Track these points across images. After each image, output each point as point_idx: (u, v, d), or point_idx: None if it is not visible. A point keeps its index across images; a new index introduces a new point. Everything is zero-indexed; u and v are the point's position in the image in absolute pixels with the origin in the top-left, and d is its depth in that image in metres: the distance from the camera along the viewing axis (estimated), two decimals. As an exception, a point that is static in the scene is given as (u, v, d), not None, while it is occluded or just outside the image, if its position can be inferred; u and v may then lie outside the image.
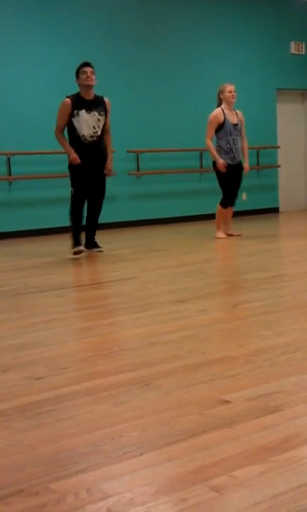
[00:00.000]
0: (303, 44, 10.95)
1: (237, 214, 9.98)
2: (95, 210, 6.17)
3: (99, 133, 5.90)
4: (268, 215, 10.36)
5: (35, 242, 7.74)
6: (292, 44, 10.82)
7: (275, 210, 10.84)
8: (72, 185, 5.95)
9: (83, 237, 6.08)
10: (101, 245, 6.23)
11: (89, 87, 5.84)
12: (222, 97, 6.90)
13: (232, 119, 6.92)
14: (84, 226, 6.15)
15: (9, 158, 8.22)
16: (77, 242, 5.96)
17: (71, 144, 5.89)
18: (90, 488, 1.62)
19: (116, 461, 1.77)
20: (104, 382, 2.45)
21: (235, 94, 6.88)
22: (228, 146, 6.90)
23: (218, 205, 7.10)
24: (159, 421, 2.04)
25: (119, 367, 2.63)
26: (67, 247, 6.13)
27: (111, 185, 8.98)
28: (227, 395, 2.24)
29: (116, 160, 9.00)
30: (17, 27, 8.24)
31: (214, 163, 6.98)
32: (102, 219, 8.88)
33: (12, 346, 3.04)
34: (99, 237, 6.32)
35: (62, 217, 6.42)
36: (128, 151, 9.07)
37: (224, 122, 6.86)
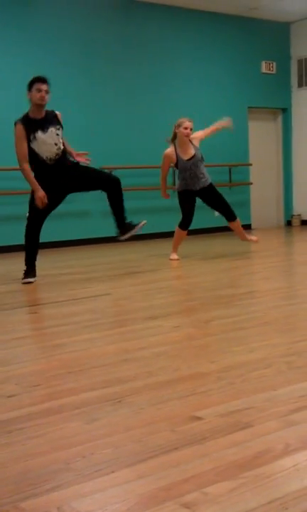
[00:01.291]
0: (274, 63, 11.12)
1: (208, 231, 10.07)
2: (115, 198, 5.85)
3: (61, 147, 5.55)
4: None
5: (7, 258, 7.70)
6: (263, 63, 10.99)
7: (247, 227, 10.92)
8: (29, 209, 5.57)
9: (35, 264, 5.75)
10: (135, 222, 5.99)
11: (42, 106, 5.48)
12: (177, 131, 6.74)
13: (185, 154, 6.77)
14: (112, 213, 5.91)
15: (-19, 175, 8.18)
16: (28, 271, 5.61)
17: (35, 169, 5.54)
18: (61, 506, 1.61)
19: (88, 478, 1.76)
20: (75, 399, 2.44)
21: (190, 132, 6.71)
22: (184, 180, 6.83)
23: (177, 227, 7.02)
24: (131, 438, 2.04)
25: (90, 384, 2.62)
26: (40, 264, 6.09)
27: (84, 202, 9.03)
28: (199, 411, 2.25)
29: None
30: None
31: (178, 192, 6.93)
32: (74, 235, 8.93)
33: (-17, 364, 3.02)
34: (72, 254, 6.29)
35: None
36: (102, 168, 9.09)
37: (177, 161, 6.76)
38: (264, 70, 11.01)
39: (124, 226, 5.97)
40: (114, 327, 3.70)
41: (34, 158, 5.49)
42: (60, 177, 5.61)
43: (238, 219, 7.17)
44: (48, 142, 5.47)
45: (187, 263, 6.62)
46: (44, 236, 5.95)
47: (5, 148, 8.29)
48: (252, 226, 11.04)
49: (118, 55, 9.33)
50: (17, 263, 6.25)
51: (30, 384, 2.66)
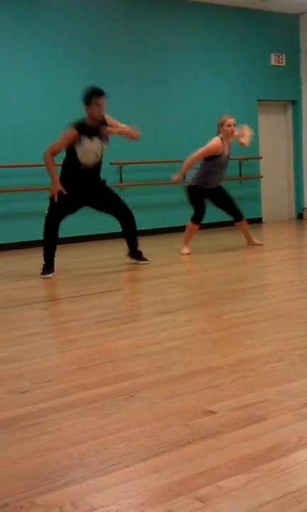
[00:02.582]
0: (284, 56, 11.05)
1: (219, 225, 10.04)
2: (128, 224, 6.03)
3: (99, 157, 5.73)
4: (251, 226, 10.36)
5: (17, 255, 7.72)
6: (272, 56, 10.92)
7: (258, 221, 10.89)
8: (49, 208, 5.67)
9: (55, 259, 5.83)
10: (146, 258, 6.13)
11: (98, 120, 5.65)
12: (221, 129, 6.78)
13: (227, 151, 6.84)
14: (126, 238, 6.11)
15: (-8, 172, 8.20)
16: (46, 267, 5.67)
17: (68, 169, 5.66)
18: (75, 501, 1.62)
19: (101, 473, 1.76)
20: (88, 394, 2.44)
21: (234, 128, 6.75)
22: (208, 176, 6.80)
23: (189, 220, 7.00)
24: (144, 433, 2.04)
25: (103, 379, 2.62)
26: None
27: (94, 198, 9.03)
28: (212, 405, 2.24)
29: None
30: (0, 40, 8.26)
31: (190, 188, 6.89)
32: (85, 231, 8.92)
33: (-4, 360, 3.03)
34: (82, 250, 6.30)
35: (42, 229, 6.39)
36: (111, 163, 9.08)
37: (220, 155, 6.76)
38: (273, 62, 10.95)
39: (134, 253, 6.17)
40: (125, 322, 3.71)
41: (73, 159, 5.62)
42: (87, 187, 5.75)
43: (244, 220, 7.19)
44: (93, 150, 5.64)
45: (198, 257, 6.61)
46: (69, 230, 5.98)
47: (19, 145, 8.32)
48: (263, 220, 11.00)
49: (125, 49, 9.31)
50: (28, 259, 6.27)
51: (43, 380, 2.67)
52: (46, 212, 5.71)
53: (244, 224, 7.28)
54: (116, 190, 9.20)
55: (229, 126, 6.73)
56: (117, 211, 5.96)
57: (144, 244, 8.08)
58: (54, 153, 5.59)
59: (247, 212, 10.68)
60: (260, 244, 7.33)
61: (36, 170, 7.93)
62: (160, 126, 9.56)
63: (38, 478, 1.76)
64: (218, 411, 2.18)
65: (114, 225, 9.20)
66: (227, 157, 6.87)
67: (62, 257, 6.33)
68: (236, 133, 6.90)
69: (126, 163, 9.25)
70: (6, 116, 8.31)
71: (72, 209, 5.81)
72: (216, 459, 1.81)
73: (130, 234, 6.11)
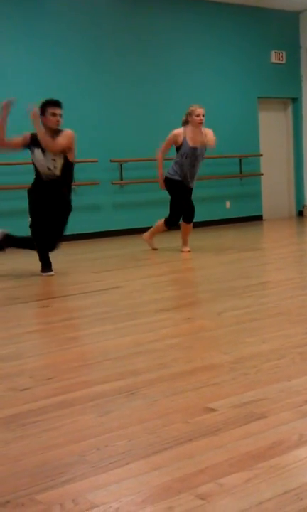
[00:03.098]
0: (284, 53, 11.04)
1: (220, 222, 10.05)
2: (44, 248, 5.74)
3: (56, 173, 5.54)
4: (252, 223, 10.41)
5: (19, 252, 7.71)
6: (273, 53, 10.91)
7: (258, 218, 10.89)
8: (30, 215, 5.68)
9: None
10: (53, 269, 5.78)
11: (54, 131, 5.49)
12: (189, 119, 6.69)
13: (193, 142, 6.67)
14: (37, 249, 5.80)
15: (-8, 169, 8.19)
16: (45, 266, 5.65)
17: (35, 175, 5.66)
18: (76, 498, 1.62)
19: (102, 470, 1.77)
20: (89, 392, 2.44)
21: (203, 118, 6.63)
22: (181, 169, 6.72)
23: (162, 220, 6.95)
24: (145, 430, 2.04)
25: (104, 376, 2.63)
26: (50, 258, 6.09)
27: (94, 195, 9.03)
28: (213, 402, 2.25)
29: (100, 170, 9.04)
30: (0, 37, 8.26)
31: (166, 180, 6.83)
32: (86, 229, 8.93)
33: (-4, 357, 3.03)
34: (83, 247, 6.29)
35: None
36: (111, 161, 9.08)
37: (182, 144, 6.67)
38: (273, 59, 10.94)
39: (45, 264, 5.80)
40: (126, 320, 3.71)
41: (35, 168, 5.63)
42: (44, 194, 5.60)
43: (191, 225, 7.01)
44: (43, 164, 5.55)
45: (198, 255, 6.61)
46: (75, 228, 5.98)
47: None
48: (264, 217, 11.00)
49: (126, 46, 9.30)
50: (28, 256, 6.26)
51: (44, 377, 2.67)
52: (29, 220, 5.71)
53: (189, 227, 7.01)
54: (116, 187, 9.28)
55: (197, 116, 6.62)
56: (49, 237, 5.70)
57: (142, 243, 8.08)
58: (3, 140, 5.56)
59: (247, 210, 10.75)
60: (187, 252, 6.87)
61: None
62: (161, 123, 9.54)
63: (39, 475, 1.76)
64: (219, 408, 2.18)
65: (113, 223, 9.23)
66: (195, 150, 6.67)
67: (62, 254, 6.33)
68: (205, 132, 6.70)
69: (126, 161, 9.25)
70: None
71: (47, 215, 5.65)
72: (217, 456, 1.82)
73: (44, 251, 5.77)
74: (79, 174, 6.02)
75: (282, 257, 6.10)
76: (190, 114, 6.72)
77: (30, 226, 5.72)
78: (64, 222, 5.72)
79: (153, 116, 9.52)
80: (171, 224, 6.95)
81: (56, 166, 5.56)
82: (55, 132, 5.53)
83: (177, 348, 3.02)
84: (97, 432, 2.05)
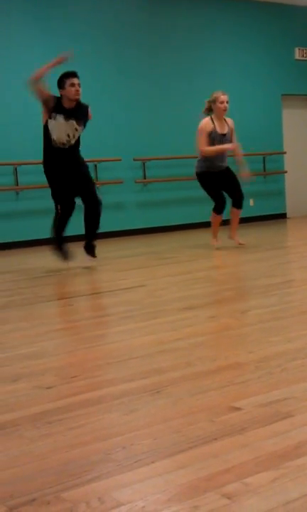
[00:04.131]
0: (308, 50, 10.97)
1: (243, 220, 10.00)
2: (91, 214, 5.85)
3: (72, 142, 5.66)
4: (276, 221, 10.35)
5: (43, 251, 7.76)
6: (296, 50, 10.84)
7: (282, 216, 10.83)
8: (53, 199, 5.78)
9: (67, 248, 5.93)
10: (96, 255, 5.98)
11: (76, 100, 5.60)
12: (213, 106, 6.64)
13: (221, 129, 6.68)
14: (86, 229, 5.93)
15: (16, 168, 8.25)
16: (64, 255, 5.81)
17: (44, 147, 5.71)
18: (102, 496, 1.62)
19: (128, 469, 1.77)
20: (114, 390, 2.45)
21: (227, 105, 6.60)
22: (209, 157, 6.66)
23: (212, 212, 6.91)
24: (170, 428, 2.03)
25: (129, 375, 2.63)
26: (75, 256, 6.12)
27: (117, 194, 9.04)
28: (238, 401, 2.24)
29: (123, 168, 9.05)
30: (17, 35, 8.29)
31: (198, 174, 6.78)
32: (109, 227, 8.93)
33: (21, 356, 3.05)
34: (107, 246, 6.30)
35: (69, 226, 6.42)
36: (134, 159, 9.09)
37: (211, 132, 6.61)
38: (297, 56, 10.87)
39: (88, 245, 5.98)
40: (150, 318, 3.71)
41: (47, 135, 5.66)
42: (63, 165, 5.71)
43: (241, 210, 6.94)
44: (63, 130, 5.59)
45: (222, 253, 6.59)
46: (77, 229, 6.00)
47: (34, 142, 8.35)
48: (288, 215, 10.93)
49: (148, 45, 9.30)
50: (52, 255, 6.29)
51: (69, 375, 2.68)
52: (58, 207, 5.83)
53: (237, 213, 6.95)
54: (139, 186, 9.28)
55: (221, 103, 6.57)
56: (86, 195, 5.80)
57: (165, 241, 8.07)
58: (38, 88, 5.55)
59: (271, 208, 10.69)
60: (242, 244, 6.94)
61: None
62: (184, 121, 9.53)
63: (64, 473, 1.77)
64: (244, 407, 2.17)
65: (136, 221, 9.23)
66: (224, 136, 6.64)
67: (85, 253, 6.33)
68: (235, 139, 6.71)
69: (149, 159, 9.25)
70: (27, 114, 8.35)
71: (68, 194, 5.80)
72: (242, 455, 1.81)
73: (91, 224, 5.89)
74: (102, 173, 6.06)
75: (307, 255, 6.06)
76: (214, 101, 6.63)
77: (56, 211, 5.82)
78: (92, 181, 5.88)
79: (176, 115, 9.51)
80: (220, 210, 6.85)
81: (75, 136, 5.66)
82: (77, 103, 5.61)
83: (201, 346, 3.01)
84: (122, 430, 2.05)
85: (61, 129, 5.59)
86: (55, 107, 5.58)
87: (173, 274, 5.37)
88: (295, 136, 11.10)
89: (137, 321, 3.66)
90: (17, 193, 8.34)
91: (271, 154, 10.49)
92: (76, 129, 5.63)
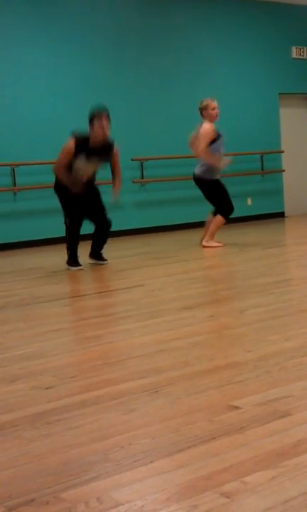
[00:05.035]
0: (305, 48, 10.96)
1: (241, 219, 10.01)
2: (101, 237, 6.13)
3: (92, 173, 5.86)
4: (274, 220, 10.35)
5: (41, 251, 7.76)
6: (293, 49, 10.84)
7: (280, 215, 10.83)
8: (66, 213, 5.89)
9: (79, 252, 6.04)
10: (106, 258, 6.20)
11: (102, 140, 5.69)
12: (205, 113, 6.76)
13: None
14: (92, 240, 6.14)
15: (14, 169, 8.25)
16: (74, 261, 5.90)
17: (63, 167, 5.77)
18: (101, 496, 1.62)
19: (126, 469, 1.77)
20: (112, 390, 2.45)
21: (218, 111, 6.77)
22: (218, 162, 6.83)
23: (220, 216, 6.95)
24: (168, 428, 2.04)
25: (127, 375, 2.63)
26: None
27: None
28: (236, 400, 2.24)
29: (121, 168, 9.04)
30: (18, 38, 8.29)
31: (205, 183, 6.88)
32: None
33: (20, 356, 3.05)
34: (105, 246, 6.30)
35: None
36: (132, 159, 9.09)
37: (218, 134, 6.77)
38: (294, 55, 10.87)
39: (95, 254, 6.19)
40: (148, 318, 3.71)
41: (71, 166, 5.72)
42: (86, 189, 5.83)
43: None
44: (85, 168, 5.72)
45: (220, 252, 6.59)
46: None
47: (31, 143, 8.36)
48: (286, 214, 10.94)
49: (146, 46, 9.29)
50: (51, 256, 6.30)
51: (67, 375, 2.68)
52: (66, 220, 5.92)
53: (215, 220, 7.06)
54: (137, 186, 9.28)
55: (214, 109, 6.72)
56: (98, 219, 6.02)
57: (163, 241, 8.08)
58: (63, 166, 5.68)
59: (269, 207, 10.69)
60: (220, 246, 6.98)
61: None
62: (182, 122, 9.53)
63: (63, 473, 1.77)
64: (242, 406, 2.18)
65: (134, 221, 9.23)
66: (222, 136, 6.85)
67: (83, 254, 6.33)
68: None
69: (147, 159, 9.25)
70: (27, 115, 8.35)
71: (83, 206, 5.91)
72: (241, 454, 1.81)
73: (101, 241, 6.17)
74: (100, 173, 6.06)
75: (305, 254, 6.06)
76: (205, 108, 6.77)
77: (68, 222, 5.91)
78: (104, 205, 6.04)
79: (173, 115, 9.51)
80: (229, 214, 6.95)
81: (96, 170, 5.90)
82: (103, 143, 5.72)
83: (199, 346, 3.01)
84: (120, 430, 2.05)
85: (83, 168, 5.72)
86: (78, 148, 5.62)
87: (170, 273, 5.37)
88: (293, 135, 11.10)
89: (135, 320, 3.66)
90: (15, 194, 8.34)
91: (268, 153, 10.49)
92: (96, 165, 5.81)
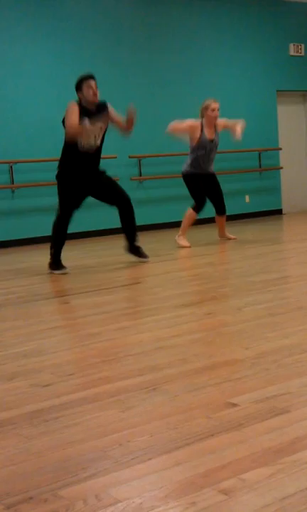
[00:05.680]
0: (302, 45, 10.95)
1: (240, 217, 10.01)
2: (127, 215, 5.85)
3: (98, 143, 5.64)
4: (272, 217, 10.36)
5: (39, 249, 7.75)
6: (291, 46, 10.83)
7: (278, 212, 10.83)
8: (60, 204, 5.60)
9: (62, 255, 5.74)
10: (147, 253, 5.92)
11: (94, 103, 5.57)
12: (204, 113, 6.79)
13: (210, 135, 6.83)
14: (124, 231, 5.89)
15: (12, 167, 8.24)
16: (58, 264, 5.59)
17: (66, 151, 5.59)
18: (99, 494, 1.62)
19: (125, 466, 1.77)
20: (110, 387, 2.45)
21: (218, 113, 6.76)
22: (197, 161, 6.84)
23: (189, 208, 7.00)
24: (167, 425, 2.04)
25: (125, 372, 2.63)
26: (70, 254, 6.13)
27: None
28: (234, 397, 2.24)
29: (118, 165, 9.03)
30: (19, 37, 8.27)
31: (183, 177, 6.96)
32: (105, 225, 8.93)
33: (18, 354, 3.05)
34: (102, 243, 6.30)
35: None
36: (130, 157, 9.08)
37: (200, 138, 6.77)
38: (292, 52, 10.86)
39: (132, 248, 5.89)
40: (146, 315, 3.71)
41: (74, 146, 5.52)
42: (87, 172, 5.64)
43: (225, 215, 7.17)
44: (90, 133, 5.54)
45: (218, 250, 6.60)
46: (73, 226, 5.98)
47: (29, 141, 8.35)
48: (283, 211, 10.94)
49: (143, 43, 9.28)
50: (48, 254, 6.29)
51: (66, 373, 2.68)
52: (58, 208, 5.62)
53: (222, 219, 7.22)
54: (135, 183, 9.27)
55: (213, 110, 6.72)
56: (117, 200, 5.79)
57: (161, 238, 8.08)
58: (77, 123, 5.40)
59: (267, 204, 10.69)
60: (234, 238, 7.24)
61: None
62: (180, 118, 9.52)
63: (61, 471, 1.77)
64: (241, 403, 2.18)
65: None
66: (212, 142, 6.82)
67: (80, 251, 6.36)
68: (228, 123, 6.87)
69: (144, 157, 9.24)
70: (26, 113, 8.34)
71: (79, 202, 5.72)
72: (239, 451, 1.81)
73: (129, 226, 5.86)
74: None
75: (303, 251, 6.06)
76: (205, 108, 6.80)
77: (59, 217, 5.62)
78: (114, 181, 5.85)
79: (171, 112, 9.48)
80: (199, 210, 7.00)
81: (100, 135, 5.64)
82: (96, 105, 5.59)
83: (198, 343, 3.02)
84: (118, 427, 2.05)
85: (88, 131, 5.54)
86: (81, 112, 5.49)
87: (169, 271, 5.37)
88: (291, 132, 11.10)
89: (133, 318, 3.66)
90: (13, 191, 8.33)
91: (266, 150, 10.49)
92: (100, 128, 5.62)
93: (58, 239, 5.65)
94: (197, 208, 6.99)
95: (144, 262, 5.81)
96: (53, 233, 5.69)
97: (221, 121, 6.92)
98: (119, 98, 9.02)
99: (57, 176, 5.65)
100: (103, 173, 5.80)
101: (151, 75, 9.35)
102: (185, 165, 6.98)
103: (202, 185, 6.97)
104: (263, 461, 1.73)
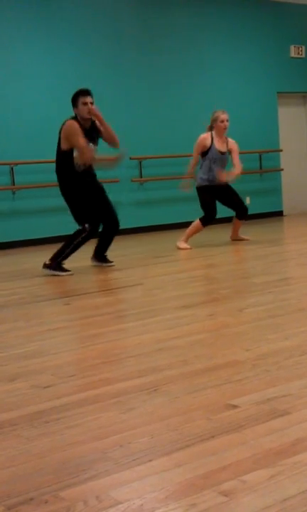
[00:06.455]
0: (303, 47, 10.96)
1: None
2: (109, 236, 5.89)
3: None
4: (272, 219, 10.36)
5: (40, 250, 7.75)
6: (292, 48, 10.84)
7: (279, 214, 10.84)
8: (85, 220, 5.54)
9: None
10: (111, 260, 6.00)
11: (89, 119, 5.53)
12: (214, 125, 6.89)
13: (220, 146, 6.92)
14: (100, 244, 5.91)
15: (12, 168, 8.24)
16: (61, 266, 5.62)
17: (65, 169, 5.52)
18: (100, 495, 1.62)
19: (125, 467, 1.77)
20: (111, 389, 2.45)
21: (227, 124, 6.86)
22: (210, 172, 6.90)
23: (198, 220, 7.03)
24: (167, 427, 2.04)
25: (126, 373, 2.63)
26: (71, 255, 6.10)
27: (114, 193, 9.00)
28: (235, 399, 2.24)
29: (119, 167, 9.01)
30: (16, 38, 8.28)
31: (198, 188, 7.01)
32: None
33: (19, 355, 3.05)
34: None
35: (65, 225, 6.43)
36: (131, 158, 9.09)
37: (210, 148, 6.85)
38: (292, 54, 10.87)
39: (100, 257, 5.99)
40: (147, 317, 3.71)
41: (69, 160, 5.49)
42: (91, 181, 5.69)
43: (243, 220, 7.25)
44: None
45: (218, 251, 6.59)
46: (73, 228, 5.97)
47: (30, 142, 8.35)
48: (284, 212, 10.94)
49: (144, 44, 9.29)
50: (49, 255, 6.28)
51: (66, 374, 2.68)
52: (86, 226, 5.56)
53: (240, 223, 7.30)
54: (136, 185, 9.27)
55: (222, 122, 6.84)
56: (108, 221, 5.79)
57: (162, 240, 8.09)
58: (87, 146, 5.42)
59: (268, 205, 10.70)
60: (247, 239, 7.33)
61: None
62: (180, 120, 9.54)
63: (62, 472, 1.77)
64: (241, 405, 2.18)
65: (133, 220, 9.23)
66: (222, 153, 6.93)
67: (81, 252, 6.33)
68: (234, 155, 6.97)
69: (145, 158, 9.25)
70: (25, 114, 8.34)
71: (95, 206, 5.74)
72: (240, 453, 1.81)
73: (106, 240, 5.93)
74: (99, 172, 6.04)
75: (303, 253, 6.06)
76: (215, 120, 6.91)
77: (83, 232, 5.58)
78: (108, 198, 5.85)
79: (172, 114, 9.51)
80: (207, 223, 7.05)
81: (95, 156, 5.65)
82: (92, 122, 5.58)
83: (198, 344, 3.01)
84: (119, 428, 2.05)
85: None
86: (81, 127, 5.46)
87: (169, 272, 5.37)
88: (291, 134, 11.10)
89: (134, 319, 3.66)
90: (13, 193, 8.34)
91: (267, 152, 10.49)
92: (96, 149, 5.63)
93: (76, 248, 5.64)
94: (205, 221, 7.01)
95: (111, 266, 5.91)
96: (74, 240, 5.61)
97: (234, 147, 6.99)
98: (119, 99, 9.05)
99: (63, 190, 5.63)
100: (102, 188, 5.78)
101: (152, 77, 9.36)
102: (198, 178, 7.03)
103: (216, 198, 7.02)
104: (263, 463, 1.73)
